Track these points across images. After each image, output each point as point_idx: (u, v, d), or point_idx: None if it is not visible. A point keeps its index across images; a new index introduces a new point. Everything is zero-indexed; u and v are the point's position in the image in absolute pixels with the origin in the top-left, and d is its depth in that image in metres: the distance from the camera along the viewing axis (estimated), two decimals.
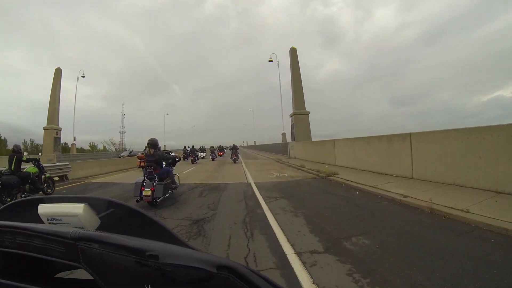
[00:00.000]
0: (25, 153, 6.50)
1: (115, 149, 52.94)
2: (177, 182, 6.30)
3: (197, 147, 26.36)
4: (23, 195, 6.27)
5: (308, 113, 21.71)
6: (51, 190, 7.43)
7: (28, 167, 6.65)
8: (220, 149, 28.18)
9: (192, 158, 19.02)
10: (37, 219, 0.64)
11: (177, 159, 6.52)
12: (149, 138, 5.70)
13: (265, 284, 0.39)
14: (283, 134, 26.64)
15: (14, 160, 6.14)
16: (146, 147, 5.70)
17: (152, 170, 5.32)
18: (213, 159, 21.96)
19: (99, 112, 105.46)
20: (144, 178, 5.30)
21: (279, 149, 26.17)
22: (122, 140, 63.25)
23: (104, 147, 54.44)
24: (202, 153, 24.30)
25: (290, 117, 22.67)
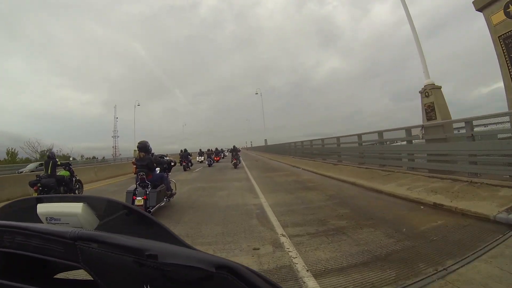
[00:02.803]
0: (57, 159, 7.52)
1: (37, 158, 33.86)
2: (174, 189, 5.95)
3: (196, 150, 22.79)
4: None
5: None
6: (80, 192, 7.94)
7: (61, 171, 7.31)
8: (217, 153, 23.51)
9: (184, 163, 16.11)
10: (36, 219, 0.64)
11: (172, 163, 6.18)
12: (139, 141, 5.29)
13: (264, 284, 0.39)
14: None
15: (50, 164, 6.82)
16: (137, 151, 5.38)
17: (144, 176, 4.91)
18: (209, 165, 18.48)
19: (101, 119, 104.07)
20: (136, 186, 4.90)
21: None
22: (115, 146, 58.41)
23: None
24: (200, 157, 20.84)
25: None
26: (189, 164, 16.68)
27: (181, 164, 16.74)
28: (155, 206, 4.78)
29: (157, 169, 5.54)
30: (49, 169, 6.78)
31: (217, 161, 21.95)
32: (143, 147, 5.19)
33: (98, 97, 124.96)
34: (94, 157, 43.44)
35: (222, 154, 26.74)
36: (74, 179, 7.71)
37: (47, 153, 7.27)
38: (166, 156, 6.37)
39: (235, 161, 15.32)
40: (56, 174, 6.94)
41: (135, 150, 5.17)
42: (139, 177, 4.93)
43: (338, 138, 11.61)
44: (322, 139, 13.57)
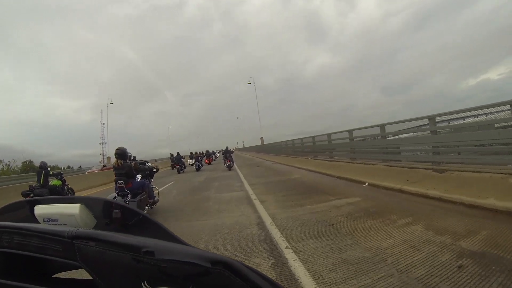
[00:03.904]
0: (49, 168, 7.60)
1: None
2: (156, 196, 5.66)
3: (188, 153, 23.08)
4: None
5: None
6: None
7: (53, 181, 7.37)
8: (208, 155, 22.43)
9: (178, 167, 16.31)
10: (33, 220, 0.65)
11: (154, 170, 5.89)
12: (117, 147, 4.90)
13: (259, 279, 0.40)
14: None
15: (43, 175, 6.87)
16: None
17: (123, 184, 4.62)
18: (197, 169, 16.88)
19: (91, 125, 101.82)
20: (115, 195, 4.64)
21: None
22: (103, 153, 54.62)
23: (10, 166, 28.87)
24: (191, 160, 20.09)
25: None
26: (183, 167, 16.67)
27: (172, 168, 16.87)
28: None
29: (139, 176, 5.27)
30: (42, 179, 6.82)
31: (208, 163, 21.47)
32: (122, 153, 4.85)
33: (89, 103, 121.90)
34: (69, 167, 40.05)
35: (213, 156, 26.22)
36: (66, 187, 7.76)
37: (39, 164, 7.34)
38: (147, 163, 6.06)
39: (229, 162, 15.26)
40: (49, 184, 6.99)
41: (109, 157, 4.69)
42: (117, 186, 4.67)
43: (434, 120, 5.75)
44: (382, 126, 7.44)
